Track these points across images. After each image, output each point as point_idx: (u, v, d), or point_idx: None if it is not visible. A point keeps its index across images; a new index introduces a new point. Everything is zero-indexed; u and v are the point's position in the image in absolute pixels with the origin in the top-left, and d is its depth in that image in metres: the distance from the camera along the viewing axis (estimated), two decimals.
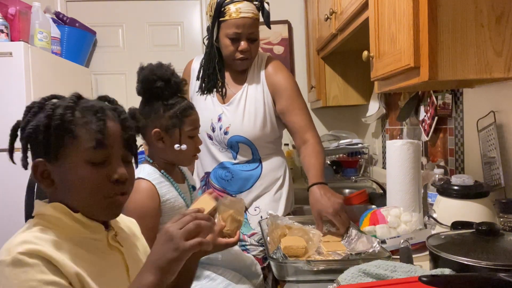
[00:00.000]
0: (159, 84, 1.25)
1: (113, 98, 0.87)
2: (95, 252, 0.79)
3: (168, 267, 0.73)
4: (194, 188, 1.41)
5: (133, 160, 0.86)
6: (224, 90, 1.73)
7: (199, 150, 1.36)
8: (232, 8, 1.60)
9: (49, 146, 0.76)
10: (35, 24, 2.29)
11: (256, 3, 1.65)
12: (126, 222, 0.95)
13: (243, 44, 1.64)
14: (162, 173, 1.28)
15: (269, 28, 1.73)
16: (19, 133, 0.80)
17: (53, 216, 0.77)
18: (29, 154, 0.81)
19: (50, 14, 2.65)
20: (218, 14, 1.63)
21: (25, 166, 0.81)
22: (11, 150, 0.80)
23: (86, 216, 0.80)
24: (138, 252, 0.92)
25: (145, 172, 1.26)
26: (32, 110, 0.79)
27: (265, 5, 1.68)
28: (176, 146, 1.27)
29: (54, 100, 0.81)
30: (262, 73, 1.74)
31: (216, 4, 1.63)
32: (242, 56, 1.66)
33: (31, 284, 0.67)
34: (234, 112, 1.70)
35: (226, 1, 1.62)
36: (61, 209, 0.78)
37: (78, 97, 0.81)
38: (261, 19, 1.70)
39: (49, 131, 0.76)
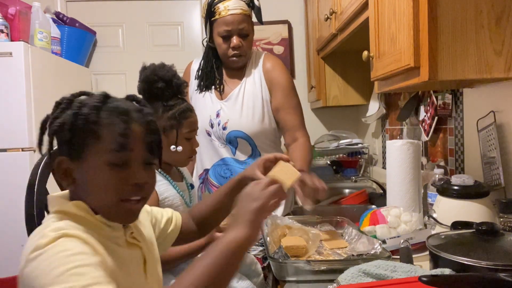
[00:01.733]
0: (159, 85, 1.25)
1: (141, 98, 0.87)
2: (115, 247, 0.79)
3: (253, 218, 0.78)
4: (192, 186, 1.42)
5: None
6: (222, 87, 1.77)
7: (195, 152, 1.36)
8: (221, 7, 1.64)
9: (73, 145, 0.76)
10: (35, 24, 2.29)
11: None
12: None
13: (235, 41, 1.67)
14: (160, 172, 1.29)
15: (261, 23, 1.77)
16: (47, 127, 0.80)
17: (76, 214, 0.77)
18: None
19: (50, 14, 2.65)
20: (209, 14, 1.68)
21: (51, 163, 0.80)
22: (40, 144, 0.80)
23: (105, 216, 0.79)
24: (150, 243, 0.94)
25: None
26: (61, 106, 0.79)
27: (255, 0, 1.71)
28: (172, 147, 1.27)
29: (82, 97, 0.81)
30: (260, 69, 1.77)
31: (206, 5, 1.68)
32: (235, 52, 1.69)
33: (69, 252, 0.67)
34: (232, 107, 1.72)
35: (215, 1, 1.65)
36: (84, 208, 0.77)
37: (105, 97, 0.81)
38: (261, 20, 1.73)
39: (74, 129, 0.76)
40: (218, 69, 1.78)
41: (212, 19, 1.67)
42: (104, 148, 0.76)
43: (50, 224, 0.72)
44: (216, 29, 1.67)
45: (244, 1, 1.68)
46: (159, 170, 1.30)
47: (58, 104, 0.79)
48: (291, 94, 1.76)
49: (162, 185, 1.27)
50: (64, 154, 0.77)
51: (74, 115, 0.76)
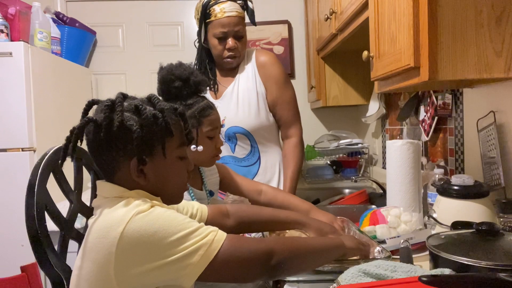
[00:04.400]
0: (177, 84, 1.21)
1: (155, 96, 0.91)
2: None
3: (354, 246, 1.03)
4: (212, 193, 1.37)
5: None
6: (216, 86, 1.80)
7: (219, 151, 1.32)
8: (216, 9, 1.67)
9: (148, 144, 0.83)
10: (35, 24, 2.29)
11: (240, 2, 1.72)
12: None
13: (230, 42, 1.70)
14: None
15: (255, 25, 1.81)
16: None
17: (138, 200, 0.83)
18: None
19: (50, 14, 2.64)
20: (204, 16, 1.71)
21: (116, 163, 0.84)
22: (74, 149, 0.82)
23: (163, 201, 0.89)
24: None
25: None
26: (117, 109, 0.82)
27: (249, 3, 1.74)
28: (192, 147, 1.23)
29: (135, 101, 0.86)
30: (254, 63, 1.80)
31: (201, 6, 1.70)
32: (230, 53, 1.73)
33: (170, 211, 0.80)
34: (228, 104, 1.75)
35: (210, 3, 1.68)
36: (144, 195, 0.85)
37: (150, 98, 0.88)
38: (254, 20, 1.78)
39: (152, 130, 0.83)
40: (212, 69, 1.81)
41: (208, 20, 1.70)
42: (176, 145, 0.88)
43: (129, 202, 0.80)
44: (212, 30, 1.71)
45: (238, 4, 1.71)
46: None
47: (108, 106, 0.82)
48: (285, 87, 1.80)
49: None
50: (134, 155, 0.82)
51: (154, 116, 0.83)
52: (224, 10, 1.67)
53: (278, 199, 1.42)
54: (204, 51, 1.81)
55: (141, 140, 0.82)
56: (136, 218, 0.76)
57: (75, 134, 0.82)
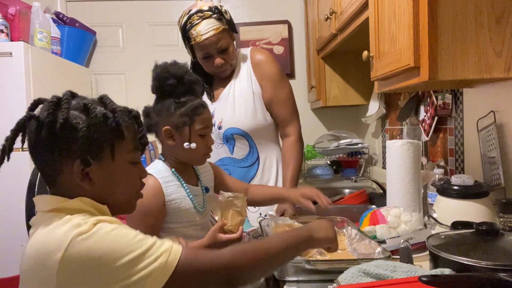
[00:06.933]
0: (171, 82, 1.22)
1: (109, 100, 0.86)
2: None
3: (328, 236, 0.97)
4: (207, 190, 1.38)
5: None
6: (212, 93, 1.81)
7: (210, 150, 1.33)
8: (194, 33, 1.66)
9: (95, 146, 0.77)
10: (35, 24, 2.29)
11: (215, 15, 1.66)
12: None
13: (216, 61, 1.71)
14: (173, 172, 1.26)
15: (236, 32, 1.79)
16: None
17: (81, 209, 0.76)
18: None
19: (50, 14, 2.65)
20: (185, 39, 1.70)
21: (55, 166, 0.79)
22: (11, 148, 0.79)
23: (111, 210, 0.83)
24: None
25: (156, 168, 1.26)
26: (63, 106, 0.77)
27: (225, 14, 1.69)
28: (186, 144, 1.24)
29: (85, 99, 0.81)
30: (249, 63, 1.79)
31: (181, 31, 1.69)
32: (220, 69, 1.73)
33: (117, 229, 0.73)
34: (225, 106, 1.75)
35: (187, 27, 1.66)
36: (89, 203, 0.79)
37: (102, 98, 0.83)
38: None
39: (100, 131, 0.77)
40: (207, 77, 1.80)
41: (190, 43, 1.69)
42: (127, 148, 0.82)
43: (67, 220, 0.72)
44: (196, 52, 1.72)
45: (214, 18, 1.65)
46: (172, 170, 1.26)
47: (53, 104, 0.77)
48: (280, 85, 1.79)
49: (171, 187, 1.23)
50: (78, 156, 0.76)
51: (103, 116, 0.77)
52: (201, 33, 1.64)
53: (265, 192, 1.54)
54: (196, 63, 1.80)
55: (87, 140, 0.75)
56: (76, 241, 0.68)
57: (12, 132, 0.77)
